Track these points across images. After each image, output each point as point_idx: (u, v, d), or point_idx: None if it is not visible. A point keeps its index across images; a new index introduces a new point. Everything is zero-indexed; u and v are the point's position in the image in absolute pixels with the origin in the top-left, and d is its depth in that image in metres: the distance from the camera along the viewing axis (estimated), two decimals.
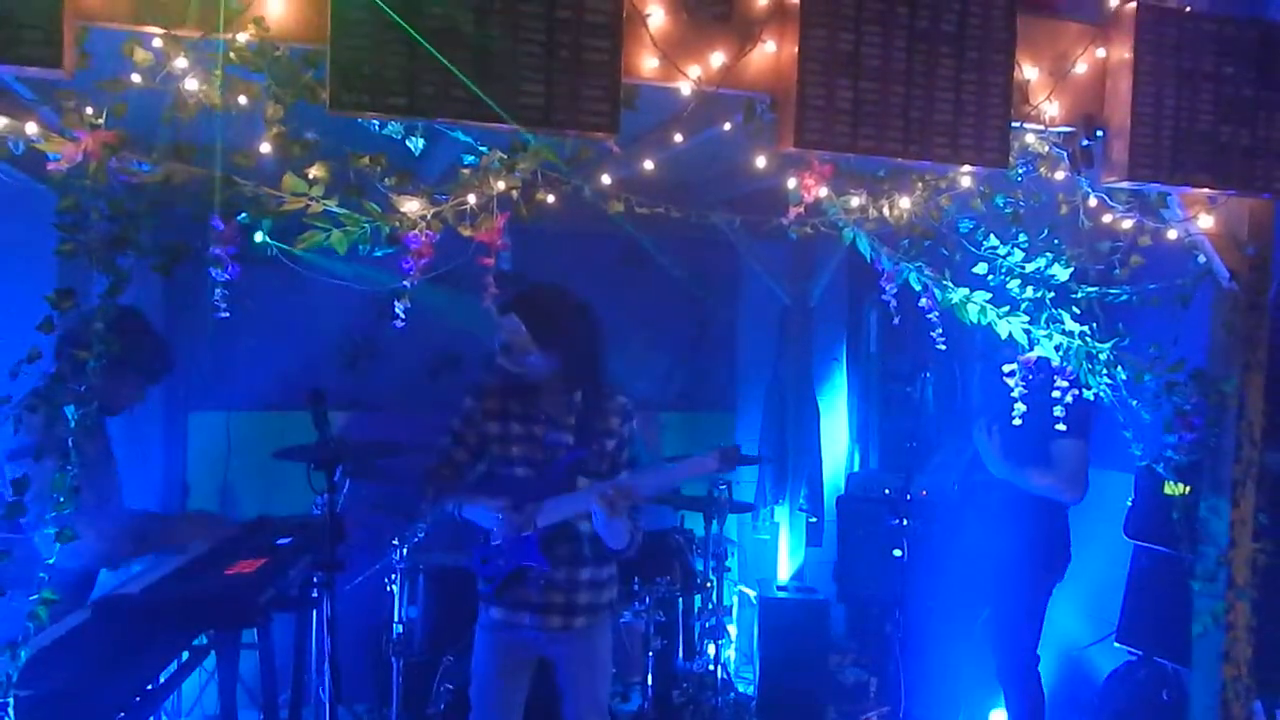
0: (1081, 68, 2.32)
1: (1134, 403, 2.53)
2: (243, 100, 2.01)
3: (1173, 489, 2.90)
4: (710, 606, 3.69)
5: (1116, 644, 3.42)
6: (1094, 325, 2.47)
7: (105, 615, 2.25)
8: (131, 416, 2.80)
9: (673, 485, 2.45)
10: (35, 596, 2.10)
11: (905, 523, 3.43)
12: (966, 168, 2.27)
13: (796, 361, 4.72)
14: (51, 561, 2.11)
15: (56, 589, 2.05)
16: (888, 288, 2.42)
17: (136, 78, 1.97)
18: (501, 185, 2.16)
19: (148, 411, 3.09)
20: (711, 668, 3.68)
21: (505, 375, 2.49)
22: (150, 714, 2.35)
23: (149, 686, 2.28)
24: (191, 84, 1.98)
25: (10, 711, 2.05)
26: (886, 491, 3.99)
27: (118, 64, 1.98)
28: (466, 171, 2.18)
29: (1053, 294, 2.44)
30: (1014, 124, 2.26)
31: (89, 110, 2.00)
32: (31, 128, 2.01)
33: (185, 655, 2.50)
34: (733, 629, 4.18)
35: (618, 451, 2.53)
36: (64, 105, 1.98)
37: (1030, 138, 2.34)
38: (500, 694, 2.53)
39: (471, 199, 2.15)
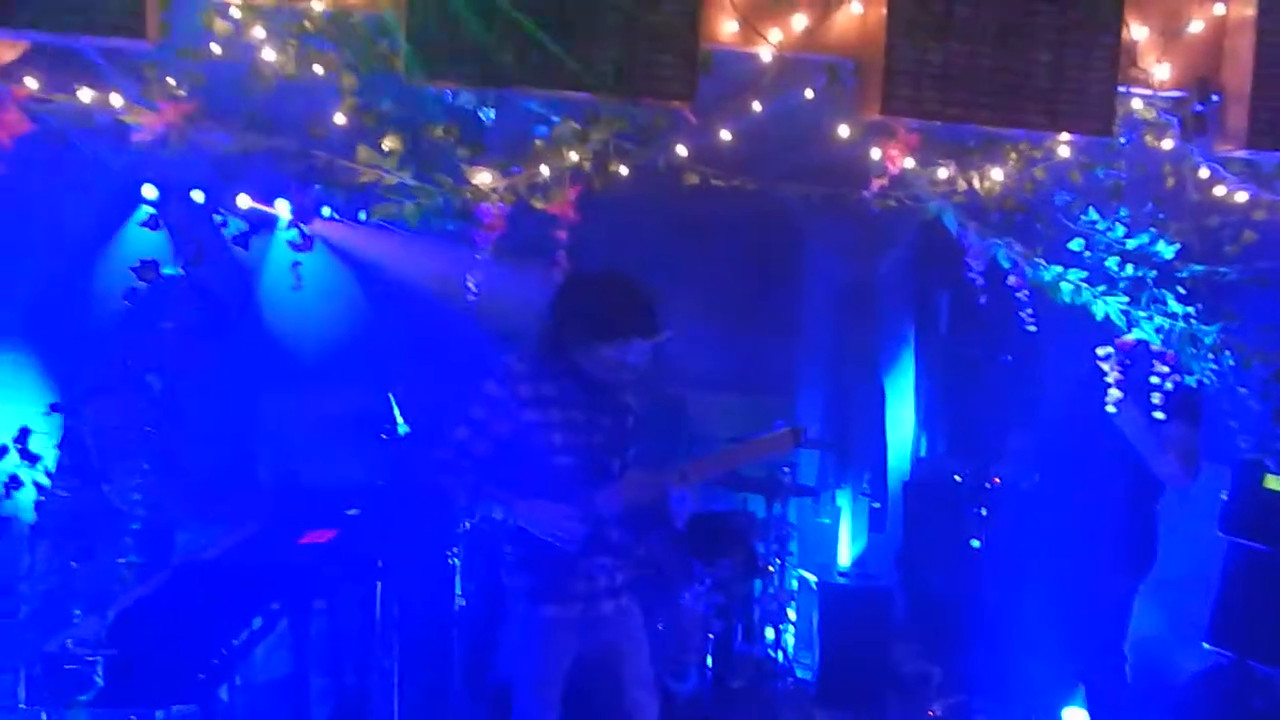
0: (1197, 26, 2.15)
1: (1241, 390, 2.36)
2: (318, 70, 2.00)
3: (1276, 483, 2.71)
4: (771, 590, 3.63)
5: (1205, 645, 3.25)
6: (1199, 306, 2.31)
7: (185, 578, 2.32)
8: (199, 387, 2.86)
9: (744, 464, 2.34)
10: (122, 560, 2.19)
11: (984, 512, 3.30)
12: (1065, 136, 2.13)
13: (861, 342, 4.58)
14: (136, 527, 2.19)
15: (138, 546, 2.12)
16: (974, 264, 2.30)
17: (216, 48, 1.98)
18: (574, 156, 2.12)
19: (216, 382, 3.17)
20: (771, 652, 3.62)
21: (535, 360, 2.31)
22: (229, 675, 2.42)
23: (226, 649, 2.35)
24: (269, 54, 1.98)
25: (100, 669, 2.14)
26: (957, 479, 3.84)
27: (196, 35, 1.99)
28: (539, 143, 2.13)
29: (1155, 272, 2.29)
30: (1119, 88, 2.11)
31: (170, 81, 2.02)
32: (116, 99, 2.04)
33: (260, 620, 2.57)
34: (792, 614, 4.10)
35: (636, 428, 2.41)
36: (148, 76, 2.00)
37: (1137, 103, 2.18)
38: (553, 692, 2.37)
39: (544, 170, 2.11)
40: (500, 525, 2.39)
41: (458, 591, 3.08)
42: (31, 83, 2.04)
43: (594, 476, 2.33)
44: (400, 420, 2.48)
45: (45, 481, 2.28)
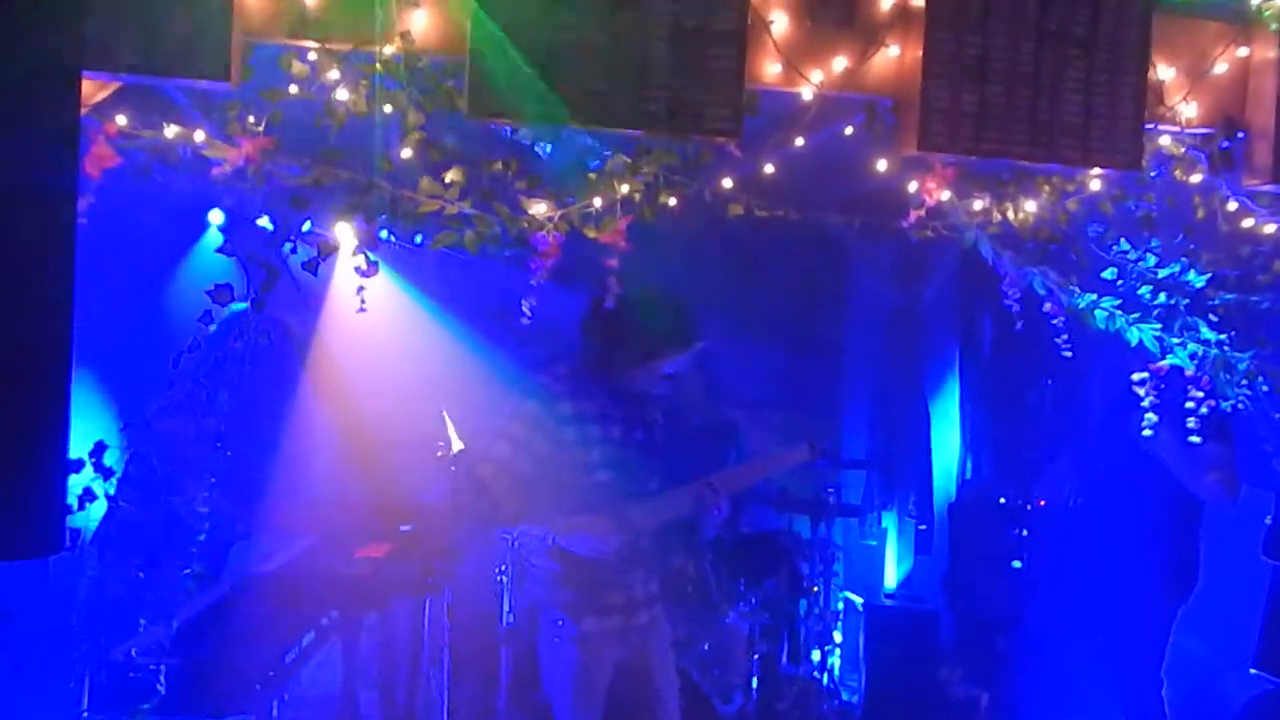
0: (1221, 67, 2.25)
1: (1277, 416, 2.40)
2: (388, 109, 2.14)
3: None
4: (816, 612, 3.66)
5: (1253, 671, 3.24)
6: (1232, 333, 2.37)
7: (245, 591, 2.40)
8: (264, 405, 2.97)
9: (765, 476, 2.45)
10: (188, 571, 2.28)
11: (1026, 533, 3.33)
12: (1096, 170, 2.23)
13: (906, 365, 4.64)
14: (202, 538, 2.28)
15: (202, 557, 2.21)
16: (1010, 292, 2.37)
17: (294, 89, 2.12)
18: (625, 188, 2.23)
19: (277, 399, 3.30)
20: (816, 674, 3.63)
21: (573, 378, 2.42)
22: (283, 688, 2.48)
23: (282, 661, 2.42)
24: (342, 94, 2.12)
25: (163, 678, 2.22)
26: (1002, 501, 3.87)
27: (273, 76, 2.13)
28: (592, 176, 2.25)
29: (1187, 300, 2.35)
30: (1148, 125, 2.20)
31: (250, 118, 2.16)
32: (199, 135, 2.19)
33: (313, 634, 2.63)
34: (837, 635, 4.10)
35: (662, 442, 2.52)
36: (229, 114, 2.15)
37: (1165, 140, 2.27)
38: (594, 704, 2.45)
39: (597, 201, 2.23)
40: (539, 541, 2.45)
41: (506, 608, 3.14)
42: (121, 119, 2.19)
43: (630, 491, 2.42)
44: (455, 437, 2.57)
45: (121, 496, 2.38)
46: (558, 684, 2.45)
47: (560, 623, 2.41)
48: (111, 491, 2.35)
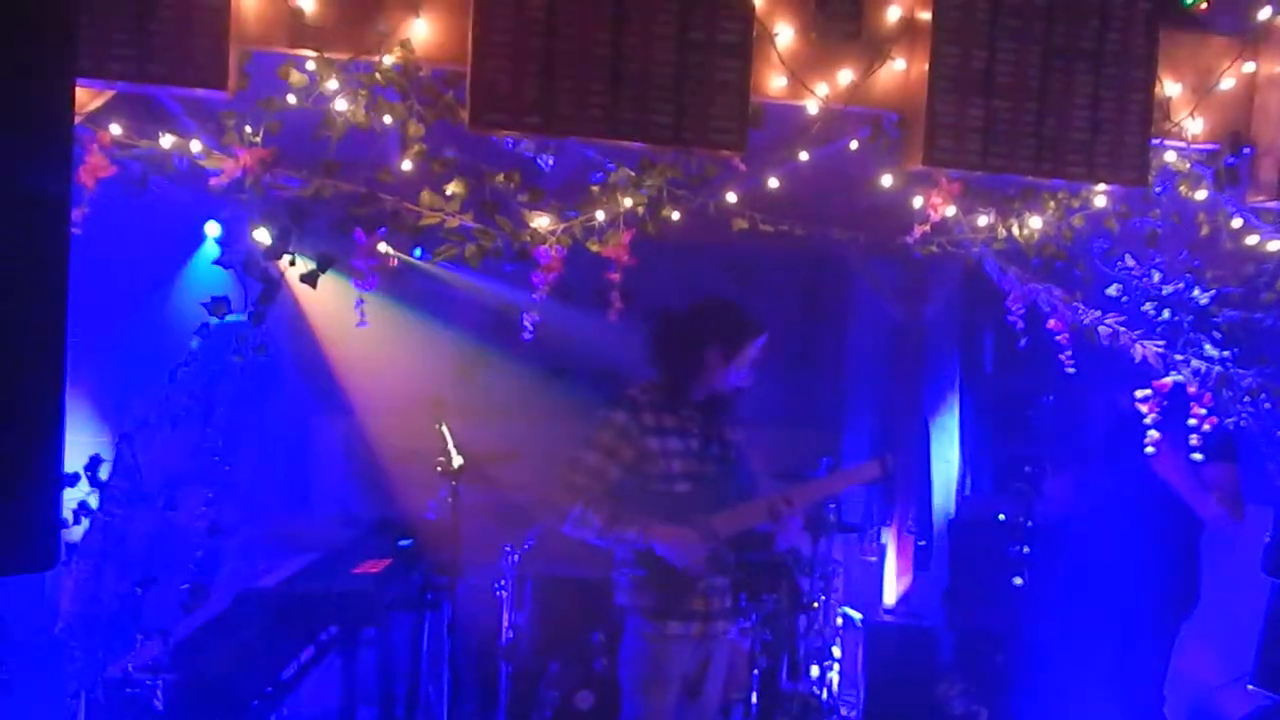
0: (1228, 83, 2.24)
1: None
2: (387, 119, 2.11)
3: None
4: (816, 628, 3.66)
5: (1251, 687, 3.25)
6: (1235, 351, 2.36)
7: (243, 607, 2.37)
8: (259, 418, 2.95)
9: (836, 493, 2.52)
10: (184, 586, 2.25)
11: (1026, 550, 3.34)
12: (1101, 186, 2.21)
13: (906, 380, 4.63)
14: (200, 554, 2.26)
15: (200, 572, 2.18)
16: (1014, 308, 2.37)
17: (292, 98, 2.08)
18: (629, 202, 2.21)
19: (274, 414, 3.26)
20: (816, 690, 3.64)
21: (656, 391, 2.49)
22: (280, 705, 2.46)
23: (280, 678, 2.40)
24: (340, 104, 2.09)
25: (160, 693, 2.20)
26: (1001, 517, 3.87)
27: (270, 85, 2.10)
28: (595, 189, 2.22)
29: (1191, 317, 2.35)
30: (1154, 141, 2.19)
31: (247, 129, 2.13)
32: (196, 146, 2.15)
33: (311, 650, 2.61)
34: (837, 651, 4.10)
35: (739, 457, 2.57)
36: (225, 124, 2.11)
37: (1170, 156, 2.27)
38: (667, 705, 2.48)
39: (600, 215, 2.20)
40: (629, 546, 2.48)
41: (506, 624, 3.12)
42: (115, 129, 2.15)
43: (708, 502, 2.47)
44: (454, 452, 2.55)
45: (110, 508, 2.35)
46: (632, 681, 2.50)
47: (644, 626, 2.48)
48: (110, 506, 2.32)
